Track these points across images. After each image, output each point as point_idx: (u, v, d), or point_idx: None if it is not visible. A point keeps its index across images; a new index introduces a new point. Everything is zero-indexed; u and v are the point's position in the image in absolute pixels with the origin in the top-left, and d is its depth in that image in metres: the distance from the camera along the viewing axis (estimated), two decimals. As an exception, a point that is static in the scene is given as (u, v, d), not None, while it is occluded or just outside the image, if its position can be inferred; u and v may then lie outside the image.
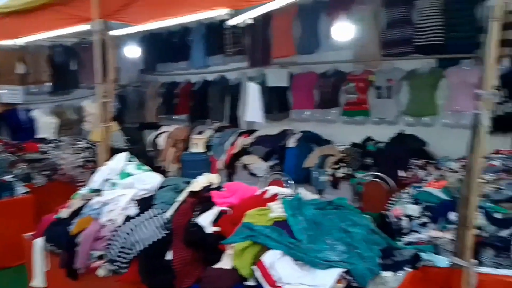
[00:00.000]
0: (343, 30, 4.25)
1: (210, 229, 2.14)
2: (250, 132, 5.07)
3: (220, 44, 5.48)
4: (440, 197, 2.35)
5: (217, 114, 5.80)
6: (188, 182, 2.65)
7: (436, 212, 2.17)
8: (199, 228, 2.15)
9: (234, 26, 5.28)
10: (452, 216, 2.02)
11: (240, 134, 5.08)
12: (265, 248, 1.83)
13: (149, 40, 6.25)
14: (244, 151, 4.80)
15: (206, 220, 2.17)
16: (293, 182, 3.81)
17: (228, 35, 5.37)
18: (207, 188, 2.52)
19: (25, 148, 4.75)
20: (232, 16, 2.91)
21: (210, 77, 5.98)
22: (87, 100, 6.03)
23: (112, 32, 3.86)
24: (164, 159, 5.55)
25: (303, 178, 4.20)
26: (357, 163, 3.93)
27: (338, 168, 3.94)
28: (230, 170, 4.80)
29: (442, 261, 1.78)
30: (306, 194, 2.21)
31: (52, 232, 2.78)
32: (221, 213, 2.23)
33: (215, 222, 2.18)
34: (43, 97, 5.71)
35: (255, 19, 2.91)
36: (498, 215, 2.06)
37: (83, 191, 2.92)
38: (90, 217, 2.61)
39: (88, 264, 2.43)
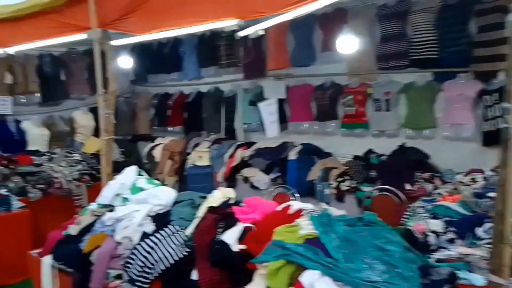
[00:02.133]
0: (338, 44, 4.28)
1: (236, 247, 2.06)
2: (248, 144, 5.01)
3: (213, 56, 5.44)
4: (459, 211, 2.35)
5: (212, 126, 5.72)
6: (204, 197, 2.56)
7: (461, 227, 2.17)
8: (225, 246, 2.07)
9: (227, 38, 5.27)
10: (480, 232, 2.01)
11: (239, 146, 5.01)
12: (300, 268, 1.76)
13: (140, 50, 6.14)
14: (244, 164, 4.73)
15: (231, 238, 2.09)
16: (298, 195, 3.76)
17: (221, 46, 5.33)
18: (226, 203, 2.44)
19: (18, 161, 4.52)
20: (241, 27, 2.85)
21: (203, 89, 5.91)
22: (77, 111, 5.86)
23: (112, 42, 3.75)
24: (160, 172, 5.41)
25: (306, 190, 4.16)
26: (361, 176, 3.92)
27: (343, 181, 3.93)
28: (230, 183, 4.71)
29: (479, 279, 1.75)
30: (333, 210, 2.16)
31: (61, 250, 2.62)
32: (246, 230, 2.15)
33: (240, 240, 2.10)
34: (32, 108, 5.48)
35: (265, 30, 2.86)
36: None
37: (92, 206, 2.77)
38: (103, 234, 2.48)
39: (104, 284, 2.30)
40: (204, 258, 2.12)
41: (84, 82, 5.85)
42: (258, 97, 5.14)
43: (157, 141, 5.80)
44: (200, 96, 5.88)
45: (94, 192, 4.91)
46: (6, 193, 3.98)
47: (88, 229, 2.62)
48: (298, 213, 2.17)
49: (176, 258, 2.20)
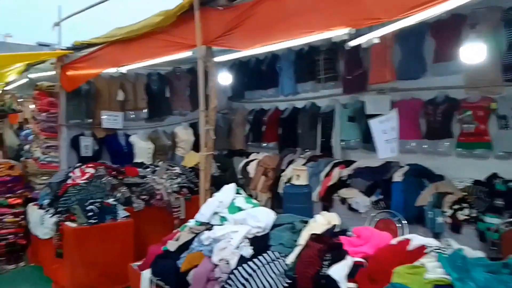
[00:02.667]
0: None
1: (345, 285, 1.78)
2: (346, 162, 4.66)
3: (311, 70, 5.24)
4: None
5: (307, 142, 5.48)
6: (305, 222, 2.33)
7: None
8: (332, 282, 1.80)
9: (326, 52, 5.04)
10: None
11: (336, 164, 4.69)
12: (430, 321, 1.43)
13: (238, 67, 6.21)
14: (341, 184, 4.40)
15: (339, 273, 1.82)
16: (406, 222, 3.32)
17: (320, 61, 5.11)
18: (330, 231, 2.18)
19: (126, 172, 4.79)
20: (352, 36, 2.59)
21: (299, 104, 5.73)
22: (179, 126, 6.09)
23: (216, 59, 3.77)
24: (254, 188, 5.33)
25: (414, 217, 3.67)
26: (483, 204, 3.33)
27: (460, 209, 3.38)
28: (326, 203, 4.41)
29: None
30: (468, 250, 1.77)
31: (159, 265, 2.60)
32: (356, 266, 1.86)
33: (350, 277, 1.82)
34: (139, 123, 5.83)
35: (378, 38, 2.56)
36: None
37: (191, 223, 2.72)
38: (201, 253, 2.38)
39: (200, 308, 2.19)
40: (307, 293, 1.88)
41: (186, 99, 6.09)
42: (357, 112, 4.80)
43: (251, 157, 5.75)
44: (295, 111, 5.71)
45: (191, 205, 5.02)
46: (114, 203, 4.20)
47: (186, 246, 2.56)
48: (420, 250, 1.82)
49: (276, 290, 1.99)
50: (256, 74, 6.03)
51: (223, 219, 2.55)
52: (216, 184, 4.56)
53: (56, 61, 4.90)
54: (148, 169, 5.10)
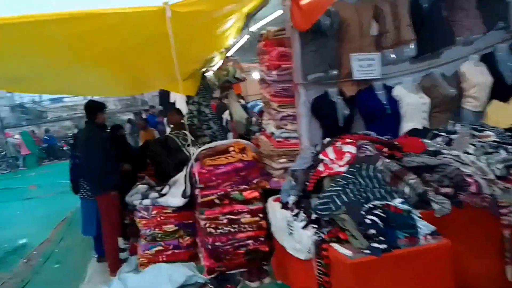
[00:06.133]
0: None
1: None
2: None
3: None
4: None
5: None
6: None
7: None
8: None
9: None
10: None
11: None
12: None
13: None
14: None
15: None
16: None
17: None
18: None
19: (403, 148, 2.76)
20: None
21: None
22: (466, 62, 3.62)
23: None
24: None
25: None
26: None
27: None
28: None
29: None
30: None
31: None
32: None
33: None
34: (403, 66, 3.64)
35: None
36: None
37: None
38: None
39: None
40: None
41: (475, 15, 3.54)
42: None
43: None
44: None
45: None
46: (404, 207, 2.23)
47: None
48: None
49: None
50: None
51: None
52: None
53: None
54: (439, 139, 2.92)
